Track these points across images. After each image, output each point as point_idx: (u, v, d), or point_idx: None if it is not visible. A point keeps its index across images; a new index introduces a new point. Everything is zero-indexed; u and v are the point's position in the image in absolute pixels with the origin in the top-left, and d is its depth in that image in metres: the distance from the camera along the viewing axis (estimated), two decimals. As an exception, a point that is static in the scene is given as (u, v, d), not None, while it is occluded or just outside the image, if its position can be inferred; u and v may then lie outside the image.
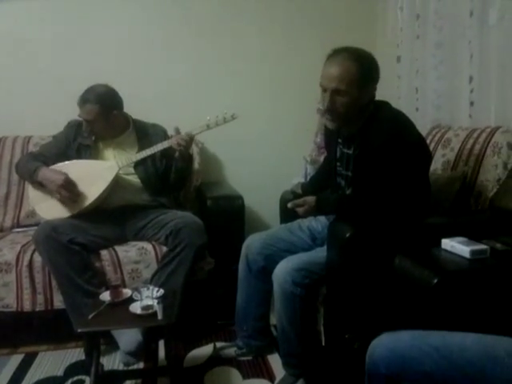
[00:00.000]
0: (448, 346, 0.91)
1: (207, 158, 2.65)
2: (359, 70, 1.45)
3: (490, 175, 1.68)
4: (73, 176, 1.95)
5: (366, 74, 1.47)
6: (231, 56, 2.65)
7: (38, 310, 1.88)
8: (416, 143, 1.48)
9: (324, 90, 1.51)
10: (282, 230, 1.84)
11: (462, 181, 1.73)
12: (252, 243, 1.81)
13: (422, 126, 2.14)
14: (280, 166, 2.68)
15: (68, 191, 1.92)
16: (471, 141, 1.83)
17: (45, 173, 1.95)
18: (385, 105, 1.57)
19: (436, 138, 2.04)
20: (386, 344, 0.97)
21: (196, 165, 2.46)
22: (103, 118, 1.96)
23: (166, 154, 2.07)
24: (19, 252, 1.89)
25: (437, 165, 1.92)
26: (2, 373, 1.79)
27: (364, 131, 1.51)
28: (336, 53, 1.49)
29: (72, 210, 1.95)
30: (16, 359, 1.89)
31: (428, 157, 1.56)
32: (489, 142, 1.74)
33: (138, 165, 2.05)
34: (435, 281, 1.09)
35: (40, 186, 1.98)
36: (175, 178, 2.11)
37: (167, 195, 2.14)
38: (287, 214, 1.93)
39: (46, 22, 2.46)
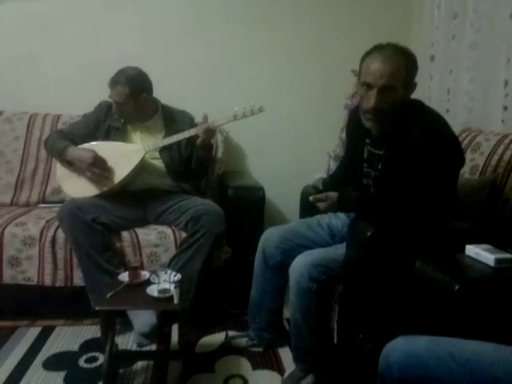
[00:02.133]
0: (465, 353, 0.90)
1: (231, 147, 2.65)
2: (406, 65, 1.41)
3: (520, 183, 1.63)
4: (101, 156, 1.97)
5: (412, 69, 1.44)
6: (260, 46, 2.63)
7: (57, 285, 1.93)
8: (452, 145, 1.44)
9: (368, 88, 1.43)
10: (301, 224, 1.83)
11: (490, 187, 1.68)
12: (270, 237, 1.80)
13: (452, 128, 2.09)
14: (303, 160, 2.67)
15: (99, 168, 1.95)
16: (502, 146, 1.78)
17: (74, 152, 1.98)
18: (419, 103, 1.53)
19: (466, 142, 1.99)
20: (401, 347, 0.96)
21: (219, 153, 2.47)
22: (133, 101, 1.98)
23: (192, 141, 2.08)
24: (43, 227, 1.93)
25: (465, 169, 1.87)
26: (20, 344, 1.85)
27: (399, 132, 1.47)
28: (380, 48, 1.44)
29: (97, 190, 1.99)
30: (34, 331, 1.94)
31: (461, 160, 1.51)
32: (521, 149, 1.69)
33: (163, 150, 2.07)
34: (457, 287, 1.07)
35: (68, 164, 2.02)
36: (196, 166, 2.12)
37: (190, 182, 2.16)
38: (307, 209, 1.92)
39: (79, 2, 2.48)
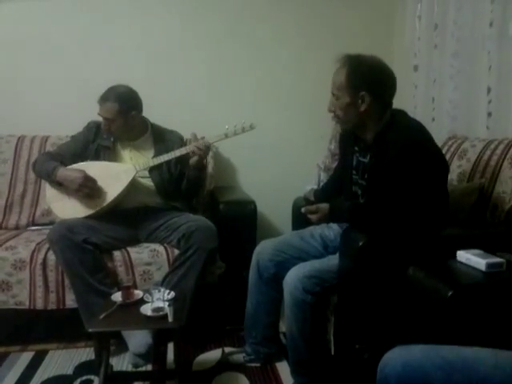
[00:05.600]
0: (461, 359, 0.90)
1: (221, 162, 2.66)
2: (346, 76, 1.50)
3: (507, 187, 1.65)
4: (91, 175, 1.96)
5: (354, 81, 1.49)
6: (248, 63, 2.67)
7: (49, 308, 1.90)
8: (432, 153, 1.46)
9: None
10: (294, 236, 1.83)
11: (478, 192, 1.70)
12: (263, 250, 1.80)
13: (438, 136, 2.11)
14: (293, 172, 2.68)
15: (89, 188, 1.94)
16: (488, 152, 1.80)
17: (63, 172, 1.97)
18: (401, 114, 1.56)
19: (452, 149, 2.02)
20: (397, 358, 0.95)
21: (210, 169, 2.47)
22: (122, 118, 1.99)
23: (182, 160, 2.08)
24: (34, 250, 1.91)
25: (452, 176, 1.90)
26: (13, 370, 1.81)
27: (379, 140, 1.51)
28: (338, 59, 1.55)
29: (87, 211, 1.97)
30: (26, 357, 1.91)
31: (444, 167, 1.54)
32: (506, 154, 1.72)
33: (153, 169, 2.07)
34: (450, 293, 1.08)
35: (58, 185, 2.01)
36: (187, 186, 2.12)
37: (180, 200, 2.15)
38: (299, 221, 1.93)
39: (67, 23, 2.50)
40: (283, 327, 1.74)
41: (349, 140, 1.69)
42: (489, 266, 1.17)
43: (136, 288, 1.76)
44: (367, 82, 1.50)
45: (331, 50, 2.60)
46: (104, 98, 1.98)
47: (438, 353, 0.92)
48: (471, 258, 1.22)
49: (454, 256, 1.27)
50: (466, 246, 1.28)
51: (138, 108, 2.06)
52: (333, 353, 1.58)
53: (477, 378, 0.86)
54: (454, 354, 0.91)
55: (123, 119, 1.99)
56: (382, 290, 1.37)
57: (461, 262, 1.25)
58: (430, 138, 1.49)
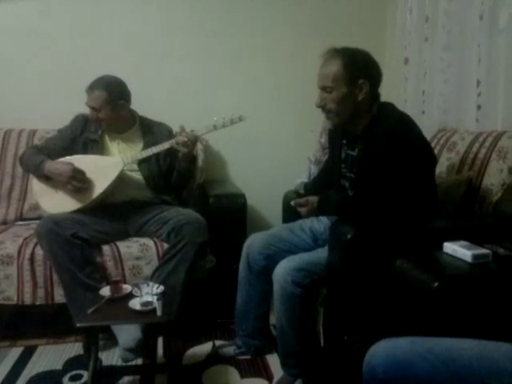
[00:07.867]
0: (446, 351, 0.90)
1: (211, 155, 2.65)
2: (344, 65, 1.49)
3: (495, 180, 1.66)
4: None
5: (353, 69, 1.49)
6: (237, 56, 2.65)
7: (38, 303, 1.88)
8: (419, 146, 1.47)
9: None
10: (284, 230, 1.84)
11: (466, 185, 1.71)
12: (253, 243, 1.80)
13: (428, 128, 2.12)
14: (284, 165, 2.68)
15: (78, 180, 1.92)
16: (477, 145, 1.81)
17: (51, 165, 1.95)
18: (389, 106, 1.56)
19: (441, 142, 2.02)
20: (383, 349, 0.96)
21: (200, 162, 2.45)
22: (110, 107, 1.96)
23: (171, 153, 2.07)
24: (21, 245, 1.89)
25: (441, 168, 1.91)
26: (2, 365, 1.80)
27: (367, 133, 1.51)
28: (326, 53, 1.54)
29: (76, 205, 1.96)
30: (15, 352, 1.90)
31: (432, 159, 1.54)
32: (494, 147, 1.73)
33: (142, 162, 2.05)
34: (436, 285, 1.08)
35: (45, 179, 1.99)
36: (177, 178, 2.11)
37: (170, 193, 2.14)
38: (289, 214, 1.93)
39: (54, 16, 2.47)
40: (273, 319, 1.75)
41: (337, 133, 1.69)
42: (475, 257, 1.18)
43: (125, 282, 1.75)
44: (365, 70, 1.50)
45: (321, 43, 2.59)
46: (92, 87, 1.96)
47: (424, 344, 0.92)
48: (457, 250, 1.22)
49: (441, 248, 1.28)
50: (454, 238, 1.28)
51: (126, 98, 2.04)
52: (322, 344, 1.59)
53: (461, 368, 0.87)
54: (439, 345, 0.92)
55: (111, 108, 1.97)
56: (370, 282, 1.38)
57: (447, 254, 1.25)
58: (418, 130, 1.49)
